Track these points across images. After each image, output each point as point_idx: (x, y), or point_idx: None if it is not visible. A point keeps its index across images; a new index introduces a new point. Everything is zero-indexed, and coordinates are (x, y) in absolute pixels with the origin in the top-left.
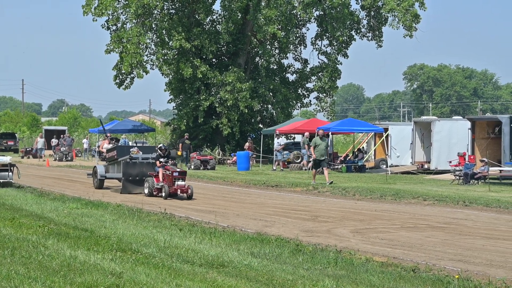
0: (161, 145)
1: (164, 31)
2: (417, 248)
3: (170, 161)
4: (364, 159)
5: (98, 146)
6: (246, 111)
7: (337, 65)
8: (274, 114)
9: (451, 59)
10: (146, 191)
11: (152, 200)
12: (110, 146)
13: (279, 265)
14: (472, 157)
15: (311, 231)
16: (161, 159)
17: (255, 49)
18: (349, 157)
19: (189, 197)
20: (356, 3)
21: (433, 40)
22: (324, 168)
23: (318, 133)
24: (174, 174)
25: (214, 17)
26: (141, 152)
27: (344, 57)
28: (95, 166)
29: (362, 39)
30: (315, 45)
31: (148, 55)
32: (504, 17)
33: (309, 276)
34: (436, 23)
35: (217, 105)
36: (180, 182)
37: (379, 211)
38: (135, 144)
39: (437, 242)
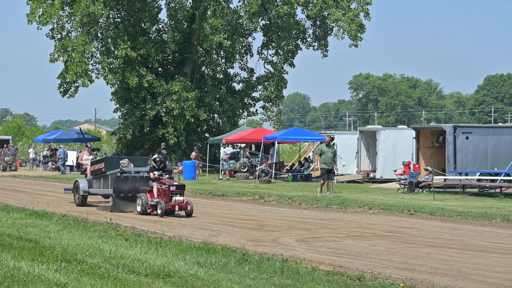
0: (156, 156)
1: (109, 40)
2: (363, 256)
3: (165, 174)
4: (310, 168)
5: (77, 158)
6: (192, 120)
7: (283, 75)
8: (221, 123)
9: (396, 68)
10: (138, 208)
11: (92, 209)
12: (91, 157)
13: (225, 275)
14: (416, 166)
15: (257, 240)
16: (155, 172)
17: (201, 58)
18: (295, 166)
19: (189, 215)
20: (302, 13)
21: (378, 50)
22: (329, 180)
23: (325, 140)
24: (171, 188)
25: (160, 26)
26: (132, 165)
27: (290, 67)
28: (76, 181)
29: (308, 49)
30: (261, 55)
31: (94, 64)
32: (448, 27)
33: (256, 286)
34: (381, 33)
35: (163, 114)
36: (178, 198)
37: (325, 220)
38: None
39: (382, 251)
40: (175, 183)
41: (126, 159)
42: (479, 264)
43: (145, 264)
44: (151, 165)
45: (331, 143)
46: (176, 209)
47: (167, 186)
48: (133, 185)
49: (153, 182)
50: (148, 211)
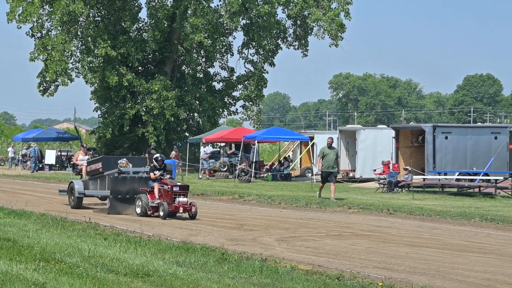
0: (157, 155)
1: (89, 39)
2: (342, 256)
3: (166, 174)
4: (290, 168)
5: (70, 158)
6: (172, 119)
7: (263, 74)
8: (201, 122)
9: (376, 68)
10: (138, 210)
11: (76, 210)
12: (87, 157)
13: (204, 274)
14: (396, 166)
15: (236, 240)
16: (156, 172)
17: (182, 57)
18: (275, 166)
19: (192, 217)
20: (283, 12)
21: (358, 49)
22: (332, 183)
23: (327, 142)
24: (174, 189)
25: (141, 25)
26: (130, 165)
27: (271, 66)
28: (71, 182)
29: (288, 48)
30: (242, 54)
31: (73, 63)
32: (428, 27)
33: (235, 285)
34: (361, 32)
35: (143, 114)
36: (182, 199)
37: (305, 220)
38: (59, 153)
39: (361, 250)
40: (179, 184)
41: (125, 159)
42: (457, 263)
43: (124, 263)
44: (152, 165)
45: (333, 145)
46: (180, 210)
47: (169, 186)
48: (131, 186)
49: (154, 183)
50: (149, 213)
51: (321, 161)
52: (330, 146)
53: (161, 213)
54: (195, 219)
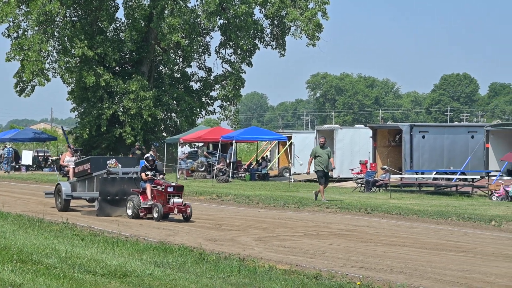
0: (148, 155)
1: (66, 39)
2: (320, 255)
3: (159, 175)
4: (268, 167)
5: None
6: (150, 119)
7: (241, 74)
8: (178, 122)
9: (353, 68)
10: (129, 212)
11: (54, 210)
12: (74, 158)
13: (182, 274)
14: (373, 165)
15: (214, 240)
16: (148, 172)
17: (159, 58)
18: (252, 165)
19: (187, 218)
20: (260, 12)
21: (335, 49)
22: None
23: (320, 141)
24: (169, 189)
25: (118, 25)
26: (120, 165)
27: (248, 66)
28: (58, 183)
29: (266, 48)
30: (219, 54)
31: (50, 63)
32: (405, 27)
33: (213, 285)
34: (338, 32)
35: (120, 114)
36: (176, 200)
37: (282, 219)
38: (36, 153)
39: (339, 249)
40: (173, 184)
41: (114, 159)
42: (434, 262)
43: (101, 264)
44: (143, 165)
45: (325, 144)
46: (175, 212)
47: (163, 187)
48: (120, 187)
49: (146, 183)
50: (141, 214)
51: (313, 161)
52: (322, 146)
53: (155, 215)
54: (189, 220)
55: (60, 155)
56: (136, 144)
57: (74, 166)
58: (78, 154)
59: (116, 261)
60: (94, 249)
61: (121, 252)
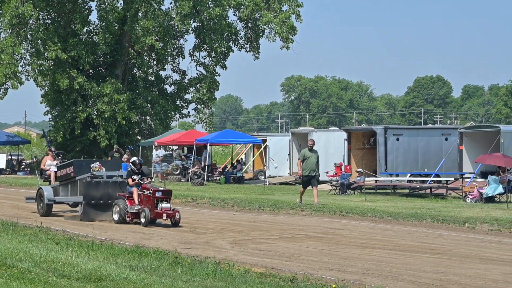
0: (135, 158)
1: (39, 42)
2: (295, 258)
3: (146, 179)
4: (243, 170)
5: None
6: (124, 122)
7: (215, 77)
8: (153, 125)
9: (327, 70)
10: (115, 216)
11: (28, 214)
12: (55, 162)
13: (157, 278)
14: (348, 168)
15: (190, 243)
16: (135, 176)
17: (133, 60)
18: (227, 168)
19: (175, 224)
20: (234, 15)
21: (309, 52)
22: (314, 187)
23: (308, 144)
24: (157, 194)
25: (91, 27)
26: (104, 168)
27: (222, 69)
28: (39, 188)
29: (240, 51)
30: (193, 57)
31: (23, 66)
32: (378, 29)
33: None
34: (312, 35)
35: (94, 117)
36: (165, 205)
37: (258, 222)
38: (10, 157)
39: (314, 252)
40: (161, 189)
41: (98, 163)
42: (409, 264)
43: (76, 268)
44: (129, 169)
45: (314, 147)
46: (164, 217)
47: (151, 191)
48: (105, 191)
49: (133, 188)
50: (128, 219)
51: (302, 164)
52: (311, 149)
53: (142, 220)
54: (178, 226)
55: (34, 158)
56: (115, 147)
57: (56, 170)
58: (59, 157)
59: (91, 265)
60: (68, 253)
61: (96, 256)
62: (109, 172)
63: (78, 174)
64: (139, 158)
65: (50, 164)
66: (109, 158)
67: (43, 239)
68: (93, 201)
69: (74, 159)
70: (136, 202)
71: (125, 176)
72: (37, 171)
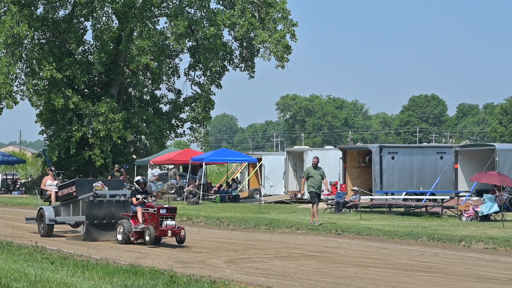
0: (139, 178)
1: (34, 61)
2: (291, 277)
3: (150, 197)
4: (238, 189)
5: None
6: (119, 141)
7: (210, 96)
8: (148, 144)
9: (322, 89)
10: (119, 237)
11: (23, 233)
12: (56, 182)
13: None
14: (343, 186)
15: (185, 262)
16: (139, 196)
17: (128, 80)
18: (223, 187)
19: (181, 241)
20: (229, 34)
21: (304, 71)
22: (315, 205)
23: (313, 162)
24: (161, 211)
25: (86, 47)
26: (106, 188)
27: (217, 88)
28: (40, 208)
29: (235, 70)
30: (188, 76)
31: (18, 85)
32: (373, 48)
33: None
34: (307, 54)
35: (89, 136)
36: (169, 222)
37: (253, 241)
38: (5, 176)
39: (310, 271)
40: (166, 206)
41: (100, 182)
42: (405, 283)
43: (71, 287)
44: (133, 188)
45: (318, 165)
46: (169, 234)
47: (155, 209)
48: (108, 210)
49: (137, 207)
50: (132, 239)
51: (306, 182)
52: (315, 167)
53: (147, 238)
54: (183, 243)
55: (29, 178)
56: (116, 166)
57: (56, 190)
58: (60, 177)
59: (86, 284)
60: (63, 272)
61: (91, 276)
62: (112, 191)
63: (80, 193)
64: (143, 177)
65: (50, 184)
66: (109, 177)
67: (38, 259)
68: (96, 221)
69: (76, 178)
70: (141, 220)
71: (129, 196)
72: (37, 191)
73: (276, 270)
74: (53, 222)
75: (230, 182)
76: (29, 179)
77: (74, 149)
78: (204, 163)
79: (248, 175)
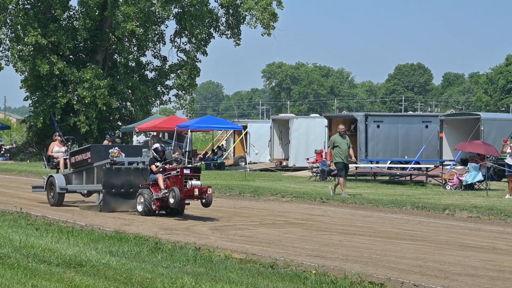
0: (157, 145)
1: (19, 27)
2: (276, 244)
3: (170, 164)
4: (223, 157)
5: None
6: (105, 108)
7: (196, 63)
8: (133, 111)
9: (308, 57)
10: (140, 208)
11: (7, 199)
12: (64, 149)
13: (138, 264)
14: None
15: (170, 229)
16: (157, 163)
17: (114, 46)
18: (208, 155)
19: (207, 203)
20: (215, 1)
21: (290, 39)
22: (342, 177)
23: (339, 129)
24: (185, 171)
25: (71, 13)
26: (123, 154)
27: (203, 55)
28: (50, 176)
29: (221, 37)
30: (174, 43)
31: (3, 51)
32: (359, 17)
33: (168, 274)
34: (293, 22)
35: (74, 103)
36: (195, 182)
37: (238, 208)
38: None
39: (295, 238)
40: (189, 166)
41: (117, 148)
42: (389, 250)
43: (56, 253)
44: (151, 156)
45: (345, 134)
46: (196, 193)
47: (179, 170)
48: (126, 178)
49: (156, 175)
50: (154, 207)
51: (332, 151)
52: (342, 135)
53: (171, 200)
54: (209, 205)
55: (14, 144)
56: (117, 132)
57: (65, 157)
58: (69, 144)
59: (71, 250)
60: (48, 238)
61: (76, 242)
62: (130, 158)
63: (96, 160)
64: (161, 144)
65: (58, 150)
66: (110, 143)
67: (23, 225)
68: (113, 190)
69: (91, 144)
70: (162, 187)
71: (148, 163)
72: (44, 157)
73: (261, 237)
74: (64, 190)
75: (216, 150)
76: (14, 145)
77: (59, 116)
78: (189, 130)
79: (234, 143)
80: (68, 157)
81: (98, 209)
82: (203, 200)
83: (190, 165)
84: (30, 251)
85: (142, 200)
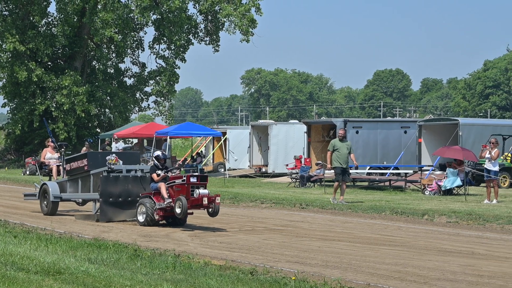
0: (158, 152)
1: None
2: (255, 250)
3: (172, 172)
4: (203, 163)
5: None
6: (83, 115)
7: (175, 69)
8: (112, 118)
9: (287, 63)
10: (141, 218)
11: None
12: (57, 155)
13: (117, 271)
14: (308, 160)
15: (149, 236)
16: (159, 172)
17: (92, 53)
18: (187, 161)
19: (215, 212)
20: (194, 7)
21: (269, 45)
22: (343, 182)
23: (339, 134)
24: (191, 179)
25: (50, 19)
26: (121, 161)
27: (182, 61)
28: (43, 183)
29: (200, 43)
30: (153, 49)
31: None
32: (337, 23)
33: (148, 281)
34: (272, 28)
35: (53, 109)
36: (202, 191)
37: (218, 215)
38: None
39: (274, 245)
40: (195, 174)
41: (114, 155)
42: (369, 256)
43: (34, 261)
44: (152, 164)
45: (345, 138)
46: (205, 202)
47: (185, 178)
48: (124, 187)
49: (158, 184)
50: (157, 217)
51: (332, 155)
52: (342, 139)
53: (178, 210)
54: (217, 215)
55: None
56: (107, 139)
57: (58, 164)
58: (63, 150)
59: (49, 258)
60: (27, 246)
61: (54, 249)
62: (128, 166)
63: (93, 167)
64: (163, 152)
65: (51, 157)
66: (101, 151)
67: (1, 232)
68: (111, 199)
69: (88, 151)
70: (166, 196)
71: (149, 172)
72: (37, 164)
73: (240, 243)
74: (58, 199)
75: (195, 156)
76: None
77: (37, 122)
78: (168, 137)
79: (213, 149)
80: (61, 164)
81: (94, 218)
82: (210, 210)
83: (196, 173)
84: (8, 259)
85: (143, 210)
